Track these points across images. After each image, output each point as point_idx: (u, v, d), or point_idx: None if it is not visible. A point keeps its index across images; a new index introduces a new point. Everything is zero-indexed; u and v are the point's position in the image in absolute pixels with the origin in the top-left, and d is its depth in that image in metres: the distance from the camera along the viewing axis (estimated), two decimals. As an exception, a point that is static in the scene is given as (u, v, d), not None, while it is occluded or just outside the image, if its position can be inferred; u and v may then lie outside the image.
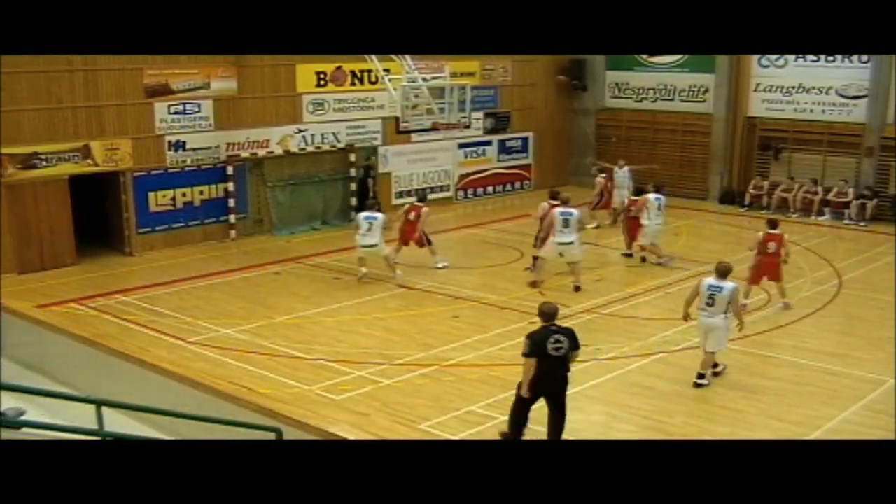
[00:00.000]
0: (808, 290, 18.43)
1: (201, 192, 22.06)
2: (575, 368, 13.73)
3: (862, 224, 24.75)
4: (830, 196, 25.80)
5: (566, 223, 17.95)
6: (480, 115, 27.78)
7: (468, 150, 27.90)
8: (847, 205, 25.32)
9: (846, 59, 26.36)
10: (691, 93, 28.96)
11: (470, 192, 28.09)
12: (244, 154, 22.58)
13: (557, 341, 10.91)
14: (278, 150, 23.29)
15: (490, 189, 28.52)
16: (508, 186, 29.03)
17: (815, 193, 26.11)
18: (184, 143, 21.56)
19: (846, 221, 24.95)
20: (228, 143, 22.26)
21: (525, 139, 29.75)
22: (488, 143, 28.65)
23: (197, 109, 21.66)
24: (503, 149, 29.13)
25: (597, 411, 12.53)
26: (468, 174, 27.90)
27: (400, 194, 26.16)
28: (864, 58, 25.86)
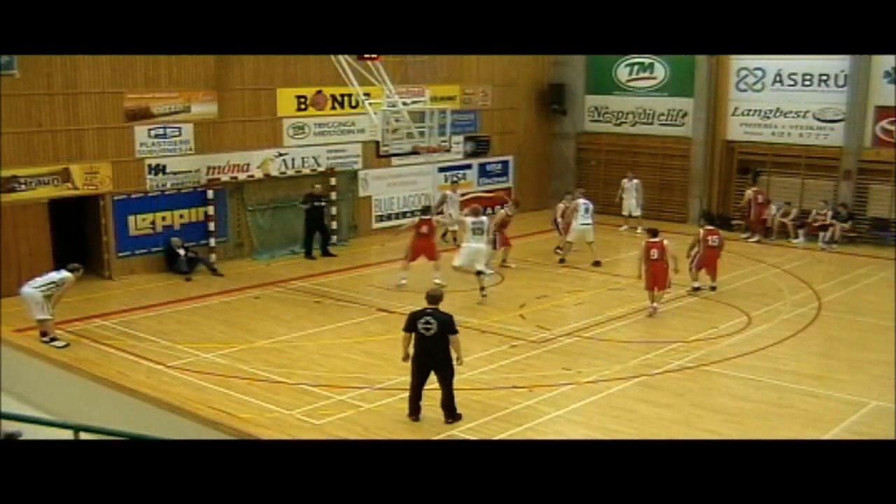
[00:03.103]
0: (787, 312, 18.50)
1: (181, 216, 21.96)
2: (556, 392, 13.85)
3: (835, 246, 24.90)
4: (809, 219, 25.93)
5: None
6: (460, 138, 27.84)
7: (448, 173, 27.93)
8: (825, 227, 25.44)
9: (822, 84, 26.61)
10: (670, 117, 29.14)
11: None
12: (224, 178, 22.52)
13: (427, 322, 12.41)
14: (259, 174, 23.25)
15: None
16: (489, 210, 29.03)
17: (807, 216, 26.28)
18: (164, 166, 21.49)
19: (821, 245, 25.06)
20: (209, 167, 22.20)
21: (505, 163, 29.84)
22: (468, 166, 28.70)
23: (177, 133, 21.62)
24: (483, 172, 29.20)
25: (579, 435, 12.49)
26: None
27: (380, 218, 26.16)
28: (841, 82, 26.12)
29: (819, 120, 26.75)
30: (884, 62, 25.30)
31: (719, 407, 13.45)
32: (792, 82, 27.07)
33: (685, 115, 28.81)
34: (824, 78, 26.55)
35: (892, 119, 25.53)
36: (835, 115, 26.44)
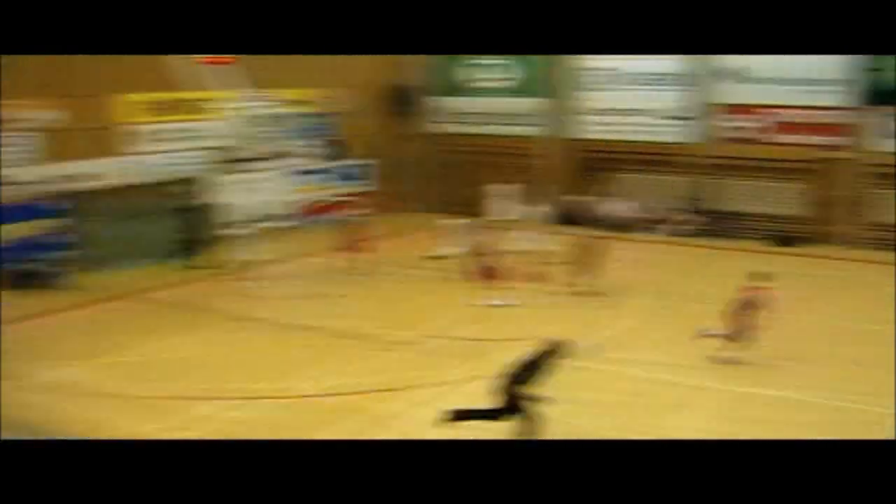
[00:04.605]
0: (646, 305, 18.97)
1: (25, 228, 20.95)
2: (426, 393, 13.83)
3: (686, 239, 25.72)
4: (661, 214, 26.68)
5: None
6: (317, 142, 27.55)
7: (305, 178, 27.59)
8: (676, 222, 26.21)
9: (669, 83, 27.43)
10: (522, 117, 29.51)
11: (307, 220, 27.75)
12: (70, 188, 21.62)
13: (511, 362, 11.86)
14: (108, 183, 22.42)
15: (327, 217, 28.20)
16: (346, 214, 28.81)
17: (645, 212, 27.03)
18: (7, 177, 20.53)
19: (672, 238, 25.83)
20: (55, 177, 21.29)
21: (361, 166, 29.63)
22: (326, 170, 28.42)
23: (22, 142, 20.69)
24: (340, 176, 28.94)
25: (452, 436, 12.44)
26: (305, 202, 27.58)
27: (234, 225, 25.55)
28: (686, 81, 27.03)
29: (667, 118, 27.55)
30: (725, 61, 26.25)
31: (590, 400, 13.60)
32: (640, 81, 27.79)
33: (537, 115, 29.23)
34: (670, 77, 27.36)
35: (736, 115, 26.54)
36: (681, 113, 27.30)
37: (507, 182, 27.53)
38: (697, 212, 26.55)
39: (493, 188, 27.17)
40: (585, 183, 28.43)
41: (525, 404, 11.77)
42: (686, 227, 26.25)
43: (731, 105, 26.75)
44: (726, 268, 22.40)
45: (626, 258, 23.00)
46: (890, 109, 24.78)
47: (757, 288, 15.35)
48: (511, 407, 11.82)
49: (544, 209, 25.08)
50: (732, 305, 15.41)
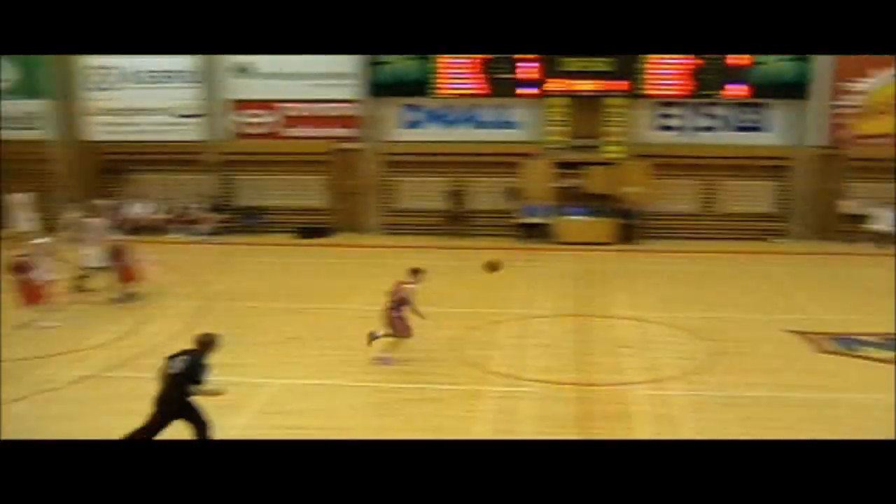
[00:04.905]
0: (179, 306, 18.33)
1: None
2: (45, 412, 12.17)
3: (211, 237, 25.41)
4: (182, 214, 26.09)
5: None
6: None
7: None
8: (199, 220, 25.76)
9: (176, 80, 26.87)
10: (25, 119, 27.38)
11: None
12: None
13: (172, 364, 10.96)
14: None
15: None
16: None
17: (169, 213, 26.34)
18: None
19: (196, 238, 25.37)
20: None
21: None
22: None
23: None
24: None
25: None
26: None
27: None
28: (193, 78, 26.64)
29: (178, 116, 27.00)
30: (233, 57, 26.21)
31: (138, 410, 12.71)
32: (147, 79, 27.04)
33: (41, 117, 27.29)
34: (177, 74, 26.82)
35: (250, 111, 26.64)
36: (192, 111, 26.88)
37: (24, 190, 25.36)
38: (222, 209, 26.33)
39: (10, 198, 24.91)
40: (106, 186, 26.97)
41: (195, 406, 11.02)
42: (212, 225, 25.90)
43: (243, 101, 26.80)
44: (256, 263, 22.50)
45: (159, 261, 22.21)
46: (397, 100, 26.18)
47: (407, 283, 14.74)
48: (182, 412, 10.99)
49: (69, 217, 23.19)
50: (386, 303, 14.72)
